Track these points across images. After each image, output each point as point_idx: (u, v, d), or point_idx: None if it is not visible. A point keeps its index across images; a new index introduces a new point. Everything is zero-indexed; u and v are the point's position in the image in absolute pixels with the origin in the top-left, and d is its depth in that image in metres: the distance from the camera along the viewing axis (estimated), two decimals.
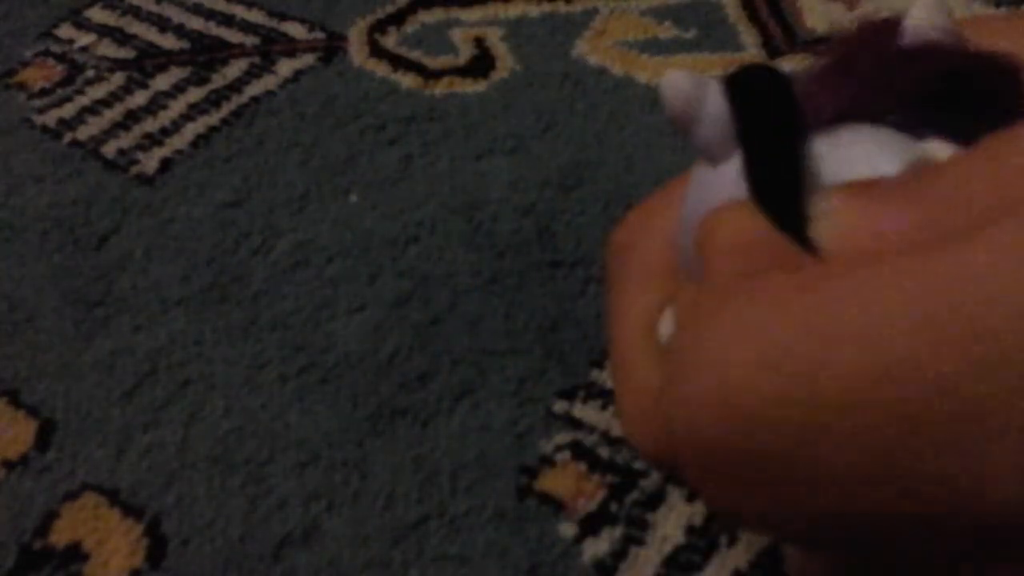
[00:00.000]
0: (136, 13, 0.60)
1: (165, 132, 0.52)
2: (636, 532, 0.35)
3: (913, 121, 0.15)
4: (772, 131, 0.15)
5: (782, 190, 0.15)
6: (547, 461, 0.37)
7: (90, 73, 0.56)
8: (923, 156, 0.14)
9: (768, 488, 0.10)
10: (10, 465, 0.38)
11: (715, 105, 0.16)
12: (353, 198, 0.48)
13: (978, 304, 0.08)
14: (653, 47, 0.55)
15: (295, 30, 0.58)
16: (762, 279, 0.11)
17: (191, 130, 0.52)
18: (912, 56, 0.16)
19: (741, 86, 0.16)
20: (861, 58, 0.16)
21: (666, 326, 0.18)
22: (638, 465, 0.36)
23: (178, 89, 0.55)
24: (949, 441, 0.08)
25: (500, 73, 0.54)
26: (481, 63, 0.55)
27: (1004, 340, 0.08)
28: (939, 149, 0.14)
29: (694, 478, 0.12)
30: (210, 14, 0.59)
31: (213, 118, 0.53)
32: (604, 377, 0.39)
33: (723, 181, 0.16)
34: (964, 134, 0.14)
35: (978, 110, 0.15)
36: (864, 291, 0.10)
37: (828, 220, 0.13)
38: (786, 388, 0.09)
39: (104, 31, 0.59)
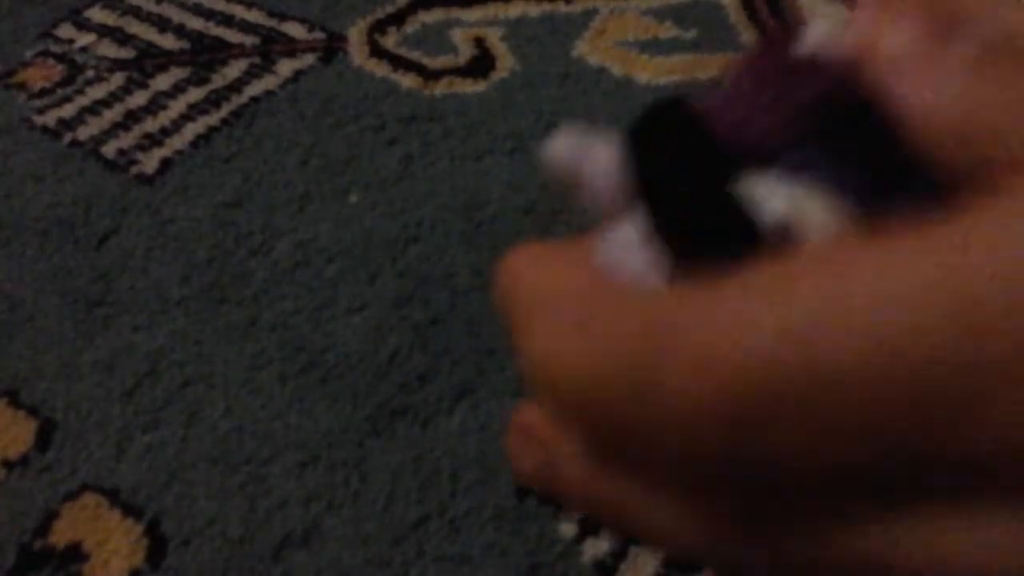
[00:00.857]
0: (136, 13, 0.60)
1: (165, 132, 0.52)
2: None
3: (802, 159, 0.14)
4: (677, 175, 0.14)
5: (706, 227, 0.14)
6: None
7: (90, 73, 0.56)
8: (792, 212, 0.13)
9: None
10: (10, 465, 0.38)
11: (594, 166, 0.15)
12: (353, 198, 0.48)
13: (968, 276, 0.10)
14: (653, 47, 0.55)
15: (295, 30, 0.58)
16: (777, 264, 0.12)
17: (191, 130, 0.52)
18: (792, 82, 0.14)
19: (640, 134, 0.15)
20: (749, 84, 0.15)
21: None
22: None
23: (178, 89, 0.55)
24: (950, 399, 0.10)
25: (500, 73, 0.54)
26: (481, 63, 0.55)
27: (991, 308, 0.10)
28: (807, 204, 0.13)
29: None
30: (210, 14, 0.59)
31: (213, 118, 0.53)
32: None
33: (613, 247, 0.15)
34: (852, 173, 0.14)
35: (861, 138, 0.14)
36: (870, 269, 0.10)
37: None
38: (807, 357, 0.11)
39: (104, 31, 0.59)
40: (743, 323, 0.11)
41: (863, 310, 0.10)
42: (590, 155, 0.15)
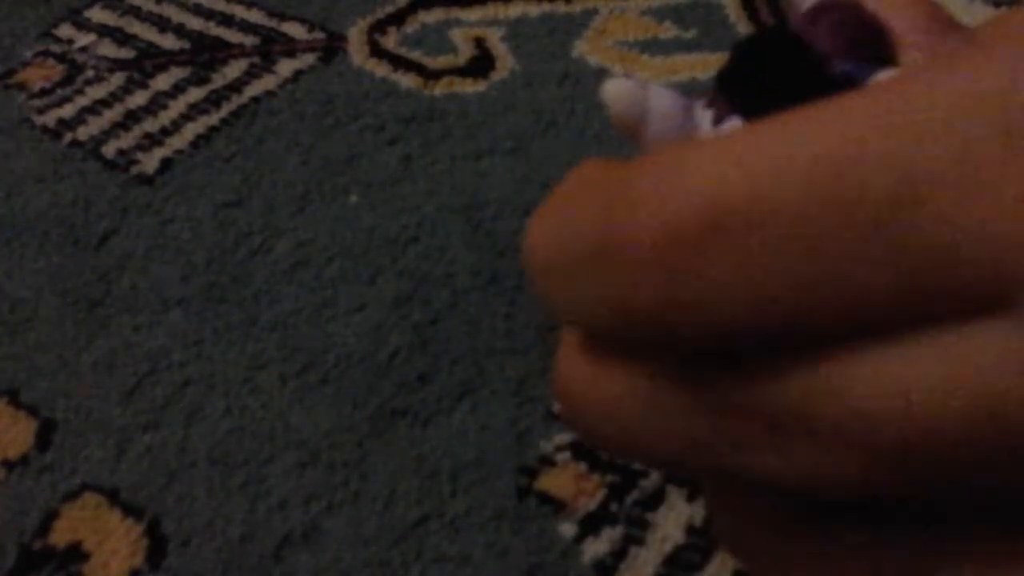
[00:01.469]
0: (136, 13, 0.60)
1: (165, 132, 0.52)
2: (636, 532, 0.35)
3: (855, 69, 0.15)
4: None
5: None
6: (547, 461, 0.37)
7: (90, 73, 0.56)
8: None
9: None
10: (10, 465, 0.38)
11: (659, 101, 0.16)
12: (353, 198, 0.48)
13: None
14: (653, 47, 0.55)
15: (295, 30, 0.58)
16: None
17: (191, 130, 0.52)
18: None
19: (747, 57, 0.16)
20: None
21: None
22: (638, 465, 0.36)
23: (178, 89, 0.55)
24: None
25: (500, 73, 0.54)
26: (481, 63, 0.55)
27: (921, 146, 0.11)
28: None
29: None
30: (210, 14, 0.59)
31: (213, 118, 0.53)
32: None
33: None
34: None
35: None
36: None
37: None
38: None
39: (104, 31, 0.59)
40: (689, 166, 0.12)
41: (807, 152, 0.11)
42: (652, 94, 0.16)
